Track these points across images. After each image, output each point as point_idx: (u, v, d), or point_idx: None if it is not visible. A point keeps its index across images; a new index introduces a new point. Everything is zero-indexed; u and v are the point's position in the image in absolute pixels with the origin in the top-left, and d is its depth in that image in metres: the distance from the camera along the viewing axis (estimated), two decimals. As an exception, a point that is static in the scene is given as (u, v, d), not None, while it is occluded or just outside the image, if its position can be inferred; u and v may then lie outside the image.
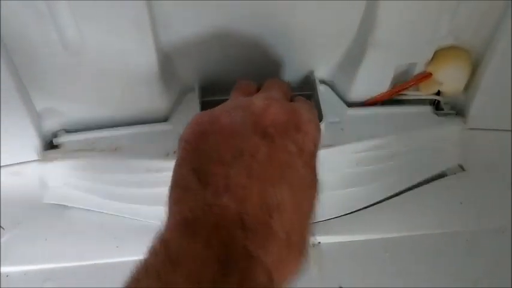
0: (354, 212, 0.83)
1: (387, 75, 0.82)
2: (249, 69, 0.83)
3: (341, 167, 0.82)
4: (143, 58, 0.75)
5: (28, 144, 0.80)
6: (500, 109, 0.87)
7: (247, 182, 0.46)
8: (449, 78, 0.83)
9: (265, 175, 0.47)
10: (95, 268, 0.77)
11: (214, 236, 0.43)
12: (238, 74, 0.80)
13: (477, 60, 0.84)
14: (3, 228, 0.80)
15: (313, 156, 0.53)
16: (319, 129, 0.55)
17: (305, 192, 0.49)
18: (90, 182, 0.81)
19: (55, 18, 0.67)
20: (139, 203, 0.81)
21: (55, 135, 0.84)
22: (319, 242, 0.81)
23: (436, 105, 0.89)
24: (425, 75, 0.82)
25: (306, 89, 0.82)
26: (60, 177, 0.81)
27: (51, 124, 0.83)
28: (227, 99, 0.62)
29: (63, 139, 0.83)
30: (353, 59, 0.82)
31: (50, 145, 0.84)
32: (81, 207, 0.81)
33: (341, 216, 0.82)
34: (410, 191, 0.86)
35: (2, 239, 0.78)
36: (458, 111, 0.89)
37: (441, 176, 0.88)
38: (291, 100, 0.62)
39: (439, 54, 0.81)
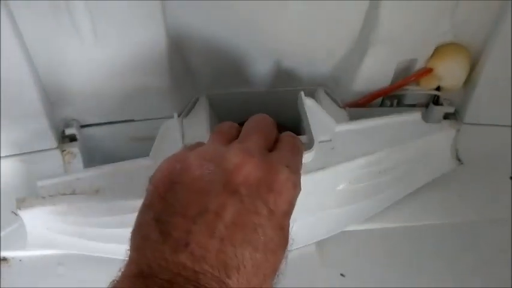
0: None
1: (389, 70, 0.84)
2: (256, 74, 0.87)
3: (334, 187, 0.80)
4: (155, 53, 0.77)
5: (42, 133, 0.82)
6: (498, 105, 0.89)
7: (208, 241, 0.45)
8: (449, 74, 0.84)
9: (229, 235, 0.45)
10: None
11: None
12: (245, 79, 0.86)
13: (476, 57, 0.86)
14: (16, 214, 0.83)
15: (286, 216, 0.50)
16: (296, 187, 0.52)
17: (270, 255, 0.47)
18: (73, 226, 0.78)
19: (71, 12, 0.69)
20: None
21: (68, 125, 0.86)
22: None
23: (436, 101, 0.92)
24: (426, 71, 0.84)
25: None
26: (40, 223, 0.78)
27: (64, 114, 0.85)
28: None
29: (41, 183, 0.77)
30: (355, 56, 0.84)
31: (63, 136, 0.87)
32: (66, 251, 0.79)
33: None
34: (411, 184, 0.92)
35: (15, 225, 0.81)
36: (456, 107, 0.91)
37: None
38: (277, 139, 0.60)
39: (439, 51, 0.83)
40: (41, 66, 0.77)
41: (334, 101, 0.90)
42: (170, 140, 0.78)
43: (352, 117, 0.88)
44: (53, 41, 0.74)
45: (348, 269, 0.80)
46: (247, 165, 0.49)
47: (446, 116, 0.92)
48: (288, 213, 0.51)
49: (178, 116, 0.87)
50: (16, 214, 0.81)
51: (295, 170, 0.53)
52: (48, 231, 0.77)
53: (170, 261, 0.43)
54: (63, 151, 0.86)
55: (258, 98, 0.92)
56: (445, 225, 0.85)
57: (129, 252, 0.48)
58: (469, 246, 0.83)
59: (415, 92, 0.89)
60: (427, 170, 0.87)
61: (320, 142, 0.76)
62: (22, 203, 0.75)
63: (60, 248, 0.78)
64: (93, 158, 0.92)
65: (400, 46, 0.81)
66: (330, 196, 0.80)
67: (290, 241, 0.51)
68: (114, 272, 0.56)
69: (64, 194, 0.75)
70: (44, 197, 0.75)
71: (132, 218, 0.52)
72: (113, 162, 0.88)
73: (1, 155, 0.84)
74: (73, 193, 0.75)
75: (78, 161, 0.87)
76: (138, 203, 0.51)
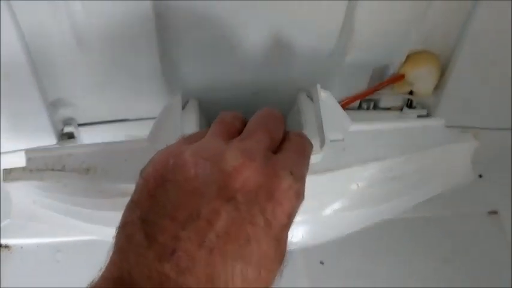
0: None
1: (365, 75, 0.91)
2: (244, 82, 0.92)
3: (342, 190, 0.75)
4: (147, 55, 0.82)
5: (42, 130, 0.87)
6: (466, 108, 0.96)
7: (196, 251, 0.41)
8: (420, 80, 0.91)
9: (219, 246, 0.41)
10: (101, 242, 0.85)
11: None
12: (233, 82, 0.91)
13: (445, 64, 0.92)
14: (9, 194, 0.88)
15: (284, 228, 0.46)
16: (299, 197, 0.47)
17: (263, 270, 0.43)
18: (60, 203, 0.75)
19: (68, 9, 0.73)
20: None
21: (66, 123, 0.91)
22: (304, 225, 0.91)
23: (410, 104, 0.98)
24: (398, 77, 0.90)
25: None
26: (26, 196, 0.75)
27: (62, 113, 0.90)
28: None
29: (29, 155, 0.75)
30: (333, 61, 0.89)
31: (61, 133, 0.92)
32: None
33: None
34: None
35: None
36: (428, 109, 0.97)
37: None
38: (284, 138, 0.55)
39: (410, 58, 0.90)
40: (40, 65, 0.81)
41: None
42: (170, 122, 0.75)
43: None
44: (51, 41, 0.78)
45: (327, 257, 0.86)
46: (247, 169, 0.45)
47: (420, 118, 0.99)
48: (286, 225, 0.46)
49: (168, 117, 0.94)
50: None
51: (299, 177, 0.48)
52: (34, 205, 0.74)
53: (153, 270, 0.40)
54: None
55: (243, 99, 0.96)
56: (419, 218, 0.91)
57: (112, 250, 0.45)
58: (442, 238, 0.90)
59: (390, 95, 0.95)
60: (444, 179, 0.83)
61: (332, 141, 0.71)
62: (8, 174, 0.72)
63: (45, 223, 0.75)
64: None
65: (374, 53, 0.87)
66: (336, 199, 0.76)
67: (287, 255, 0.46)
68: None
69: (53, 170, 0.71)
70: (31, 170, 0.71)
71: (122, 202, 0.50)
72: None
73: (2, 151, 0.90)
74: (62, 169, 0.71)
75: (75, 157, 0.93)
76: (130, 187, 0.49)
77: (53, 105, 0.89)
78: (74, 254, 0.85)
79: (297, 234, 0.56)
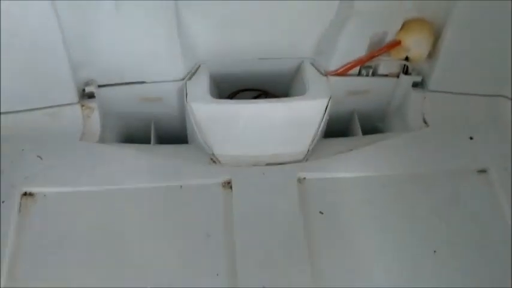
0: (336, 155, 0.99)
1: (364, 41, 0.97)
2: (252, 46, 1.00)
3: None
4: (166, 21, 0.90)
5: (66, 89, 0.95)
6: (458, 74, 1.02)
7: None
8: (415, 45, 0.97)
9: None
10: (117, 191, 0.92)
11: None
12: (243, 47, 0.99)
13: (438, 31, 0.98)
14: (40, 158, 0.95)
15: None
16: None
17: None
18: None
19: None
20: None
21: (87, 84, 0.98)
22: (305, 178, 0.97)
23: (406, 71, 1.04)
24: (395, 43, 0.96)
25: None
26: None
27: (85, 74, 0.97)
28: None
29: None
30: (335, 28, 0.96)
31: (83, 93, 1.00)
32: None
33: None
34: (385, 141, 1.02)
35: (40, 166, 0.93)
36: (423, 76, 1.04)
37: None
38: None
39: (406, 25, 0.96)
40: (68, 29, 0.88)
41: (318, 70, 1.02)
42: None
43: (335, 85, 1.01)
44: (80, 7, 0.86)
45: (326, 208, 0.92)
46: None
47: (415, 84, 1.05)
48: None
49: (183, 79, 1.02)
50: (41, 158, 0.95)
51: None
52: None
53: None
54: (82, 106, 0.99)
55: (250, 66, 1.04)
56: (413, 174, 0.97)
57: None
58: (430, 191, 0.95)
59: (387, 61, 1.01)
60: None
61: None
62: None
63: None
64: (108, 113, 1.05)
65: (372, 19, 0.93)
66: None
67: None
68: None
69: None
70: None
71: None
72: (124, 118, 1.01)
73: (30, 108, 0.97)
74: None
75: (95, 116, 1.00)
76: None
77: (76, 66, 0.95)
78: (93, 202, 0.91)
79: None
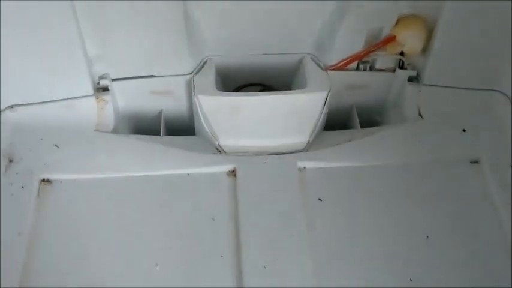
0: (334, 146, 1.03)
1: (361, 36, 1.01)
2: (256, 42, 1.04)
3: None
4: (175, 18, 0.95)
5: (82, 82, 1.00)
6: (450, 69, 1.06)
7: None
8: (409, 40, 1.01)
9: None
10: (129, 178, 0.97)
11: None
12: (247, 42, 1.03)
13: (432, 27, 1.01)
14: (57, 147, 1.01)
15: None
16: None
17: None
18: None
19: None
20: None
21: (102, 77, 1.03)
22: (305, 167, 1.01)
23: (401, 66, 1.08)
24: (390, 38, 1.00)
25: None
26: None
27: (99, 69, 1.02)
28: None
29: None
30: (333, 24, 1.00)
31: (97, 86, 1.04)
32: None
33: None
34: (381, 133, 1.07)
35: (57, 154, 0.99)
36: (418, 70, 1.08)
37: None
38: None
39: (400, 21, 1.00)
40: (85, 26, 0.93)
41: (318, 65, 1.07)
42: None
43: (334, 80, 1.05)
44: (96, 5, 0.91)
45: (325, 195, 0.96)
46: None
47: (411, 79, 1.09)
48: None
49: (191, 73, 1.06)
50: (58, 147, 1.00)
51: None
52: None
53: None
54: (97, 98, 1.04)
55: (254, 61, 1.08)
56: (407, 164, 1.01)
57: None
58: (424, 181, 0.99)
59: (384, 56, 1.05)
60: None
61: None
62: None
63: None
64: (121, 106, 1.10)
65: (368, 15, 0.97)
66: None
67: None
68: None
69: None
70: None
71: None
72: (136, 110, 1.07)
73: (49, 100, 1.02)
74: None
75: (109, 108, 1.05)
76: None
77: (91, 61, 1.00)
78: (106, 188, 0.96)
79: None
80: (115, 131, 1.06)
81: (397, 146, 1.04)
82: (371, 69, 1.09)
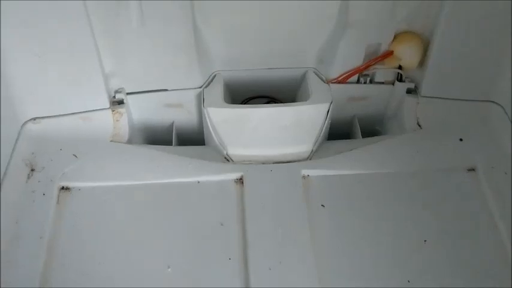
0: (337, 154, 1.08)
1: (360, 52, 1.06)
2: (261, 57, 1.10)
3: None
4: (185, 36, 1.01)
5: (99, 96, 1.05)
6: (446, 81, 1.10)
7: None
8: (406, 55, 1.06)
9: None
10: (143, 186, 1.02)
11: None
12: (253, 58, 1.09)
13: (427, 42, 1.06)
14: (76, 157, 1.06)
15: None
16: None
17: None
18: None
19: (128, 5, 0.94)
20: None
21: (117, 91, 1.09)
22: (308, 175, 1.05)
23: (400, 79, 1.13)
24: (388, 53, 1.05)
25: None
26: None
27: (114, 83, 1.08)
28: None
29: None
30: (334, 41, 1.05)
31: (113, 100, 1.10)
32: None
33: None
34: (381, 142, 1.11)
35: (76, 163, 1.04)
36: (416, 83, 1.13)
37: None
38: None
39: (397, 37, 1.05)
40: (101, 44, 0.99)
41: (321, 78, 1.12)
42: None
43: (336, 92, 1.10)
44: (112, 25, 0.97)
45: (327, 201, 1.00)
46: None
47: (409, 91, 1.13)
48: None
49: (201, 87, 1.12)
50: (76, 156, 1.05)
51: None
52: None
53: None
54: (113, 111, 1.09)
55: (260, 75, 1.13)
56: (406, 172, 1.05)
57: None
58: (423, 188, 1.03)
59: (383, 70, 1.10)
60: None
61: None
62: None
63: None
64: (135, 118, 1.15)
65: (366, 31, 1.02)
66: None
67: None
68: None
69: None
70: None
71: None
72: (149, 122, 1.13)
73: (68, 113, 1.07)
74: None
75: (124, 120, 1.10)
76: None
77: (108, 76, 1.06)
78: (121, 195, 1.01)
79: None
80: (130, 141, 1.11)
81: (397, 154, 1.08)
82: (371, 82, 1.14)
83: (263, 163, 1.06)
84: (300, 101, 1.11)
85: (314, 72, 1.13)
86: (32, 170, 1.02)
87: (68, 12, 0.92)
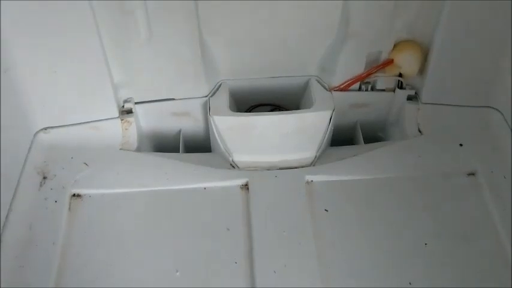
0: (340, 160, 1.10)
1: (361, 59, 1.08)
2: (265, 66, 1.13)
3: None
4: (192, 47, 1.04)
5: (109, 106, 1.08)
6: (446, 88, 1.12)
7: None
8: (405, 63, 1.08)
9: None
10: (151, 193, 1.05)
11: None
12: (258, 67, 1.12)
13: (426, 50, 1.08)
14: (87, 165, 1.09)
15: None
16: None
17: None
18: None
19: (136, 18, 0.97)
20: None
21: (126, 101, 1.12)
22: (312, 181, 1.07)
23: (400, 86, 1.15)
24: (388, 61, 1.08)
25: None
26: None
27: (123, 93, 1.11)
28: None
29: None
30: (335, 51, 1.08)
31: (122, 109, 1.13)
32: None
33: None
34: (383, 148, 1.13)
35: (86, 171, 1.07)
36: (417, 90, 1.15)
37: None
38: None
39: (397, 45, 1.07)
40: (111, 56, 1.02)
41: (323, 86, 1.14)
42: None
43: (338, 100, 1.13)
44: (121, 38, 1.01)
45: (331, 206, 1.02)
46: None
47: (410, 98, 1.16)
48: None
49: (207, 96, 1.14)
50: (87, 165, 1.08)
51: None
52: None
53: None
54: (122, 120, 1.12)
55: (264, 84, 1.16)
56: (407, 177, 1.07)
57: None
58: (424, 192, 1.05)
59: (383, 77, 1.12)
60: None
61: None
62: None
63: None
64: (144, 126, 1.18)
65: (367, 40, 1.05)
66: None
67: None
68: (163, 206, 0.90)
69: None
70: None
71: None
72: (157, 131, 1.16)
73: (78, 122, 1.10)
74: None
75: (133, 128, 1.13)
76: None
77: (117, 87, 1.09)
78: (131, 201, 1.04)
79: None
80: (138, 149, 1.14)
81: (398, 160, 1.10)
82: (372, 89, 1.17)
83: (268, 169, 1.08)
84: (303, 109, 1.13)
85: (317, 80, 1.16)
86: (44, 177, 1.05)
87: (78, 26, 0.95)
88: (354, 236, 0.99)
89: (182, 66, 1.08)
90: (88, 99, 1.07)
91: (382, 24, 1.03)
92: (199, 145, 1.22)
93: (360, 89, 1.16)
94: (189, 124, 1.20)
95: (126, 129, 1.12)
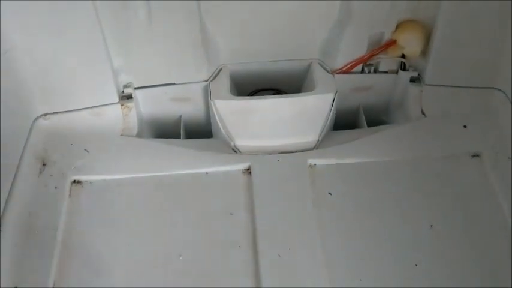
0: (342, 144, 1.08)
1: (363, 42, 1.07)
2: (267, 50, 1.11)
3: None
4: (192, 31, 1.03)
5: (109, 91, 1.07)
6: (449, 69, 1.10)
7: None
8: (409, 43, 1.06)
9: None
10: (153, 178, 1.03)
11: None
12: (258, 51, 1.10)
13: (430, 31, 1.06)
14: (87, 151, 1.07)
15: None
16: None
17: None
18: None
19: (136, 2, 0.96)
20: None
21: (126, 86, 1.11)
22: (315, 164, 1.06)
23: (403, 68, 1.13)
24: (391, 42, 1.06)
25: None
26: None
27: (123, 78, 1.10)
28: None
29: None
30: (337, 32, 1.06)
31: (122, 94, 1.11)
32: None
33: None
34: (386, 131, 1.12)
35: (87, 158, 1.05)
36: (420, 72, 1.13)
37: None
38: None
39: (400, 25, 1.05)
40: (110, 40, 1.01)
41: (325, 69, 1.12)
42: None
43: (341, 83, 1.11)
44: (120, 22, 0.99)
45: (334, 189, 1.01)
46: None
47: (413, 80, 1.14)
48: None
49: (207, 80, 1.13)
50: (88, 151, 1.07)
51: None
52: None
53: None
54: (122, 105, 1.10)
55: (265, 67, 1.14)
56: (411, 159, 1.06)
57: None
58: (428, 174, 1.03)
59: (386, 59, 1.11)
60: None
61: None
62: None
63: None
64: (144, 112, 1.17)
65: (369, 20, 1.03)
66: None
67: None
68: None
69: None
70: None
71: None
72: (158, 116, 1.14)
73: (78, 108, 1.09)
74: None
75: (133, 114, 1.11)
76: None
77: (117, 72, 1.08)
78: (132, 187, 1.02)
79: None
80: (139, 135, 1.12)
81: (402, 142, 1.08)
82: (375, 71, 1.15)
83: (270, 153, 1.07)
84: (305, 92, 1.11)
85: (319, 63, 1.14)
86: (44, 164, 1.04)
87: (76, 10, 0.93)
88: (358, 218, 0.98)
89: (182, 50, 1.06)
90: (87, 84, 1.06)
91: (385, 3, 1.01)
92: (201, 130, 1.21)
93: (362, 71, 1.14)
94: (190, 109, 1.19)
95: (126, 114, 1.11)
